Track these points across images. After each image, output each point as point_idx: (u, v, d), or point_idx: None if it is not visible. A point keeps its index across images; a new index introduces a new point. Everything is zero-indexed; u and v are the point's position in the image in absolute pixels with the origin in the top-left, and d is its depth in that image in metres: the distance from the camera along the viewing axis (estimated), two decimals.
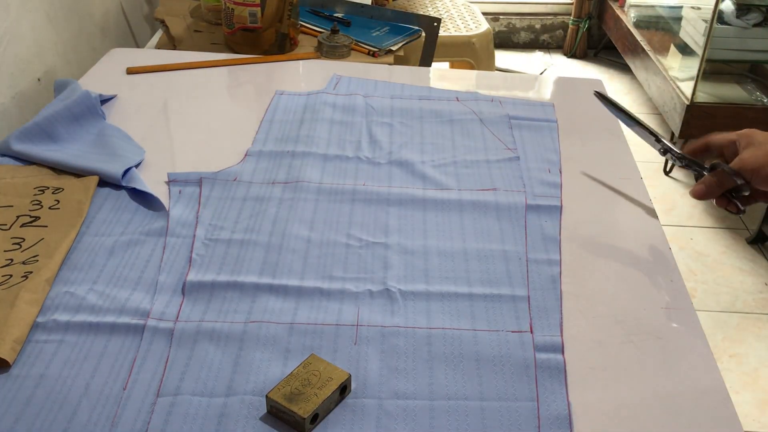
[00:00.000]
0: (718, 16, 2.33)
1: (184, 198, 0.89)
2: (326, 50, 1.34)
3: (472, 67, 2.24)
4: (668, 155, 0.88)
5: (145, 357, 0.67)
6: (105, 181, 0.91)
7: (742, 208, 0.80)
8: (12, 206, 0.86)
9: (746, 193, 0.79)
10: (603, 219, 0.90)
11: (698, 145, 0.85)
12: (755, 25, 2.37)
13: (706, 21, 2.34)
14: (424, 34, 1.48)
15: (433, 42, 1.49)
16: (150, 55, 1.32)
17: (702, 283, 2.01)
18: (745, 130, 0.80)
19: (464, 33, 2.23)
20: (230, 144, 1.01)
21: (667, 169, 2.52)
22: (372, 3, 1.63)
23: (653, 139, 0.90)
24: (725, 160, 0.81)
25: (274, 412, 0.62)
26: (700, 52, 2.34)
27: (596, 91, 1.03)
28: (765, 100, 2.41)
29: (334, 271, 0.79)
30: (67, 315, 0.71)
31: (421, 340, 0.70)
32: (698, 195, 0.81)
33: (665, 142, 0.89)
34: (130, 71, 1.21)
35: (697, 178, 0.83)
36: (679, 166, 0.87)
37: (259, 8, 1.29)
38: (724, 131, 0.86)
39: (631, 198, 0.94)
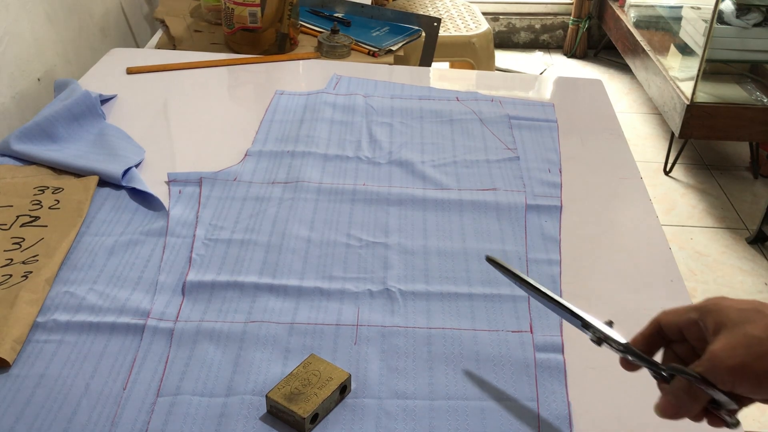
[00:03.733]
0: (718, 16, 2.33)
1: (184, 198, 0.89)
2: (326, 50, 1.34)
3: (472, 67, 2.24)
4: (604, 345, 0.58)
5: (145, 357, 0.67)
6: (105, 181, 0.91)
7: (731, 420, 0.52)
8: (12, 206, 0.86)
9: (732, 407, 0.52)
10: (603, 219, 0.90)
11: (648, 330, 0.57)
12: (755, 25, 2.37)
13: (706, 21, 2.34)
14: (424, 34, 1.48)
15: (433, 42, 1.49)
16: (150, 55, 1.32)
17: (702, 283, 2.01)
18: (706, 301, 0.54)
19: (464, 33, 2.23)
20: (230, 144, 1.01)
21: (667, 170, 2.52)
22: (372, 3, 1.63)
23: (578, 323, 0.59)
24: (688, 347, 0.55)
25: (274, 412, 0.62)
26: (700, 52, 2.34)
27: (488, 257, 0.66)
28: (765, 100, 2.41)
29: (334, 271, 0.79)
30: (67, 315, 0.71)
31: (421, 340, 0.70)
32: (668, 413, 0.53)
33: (598, 327, 0.58)
34: (130, 71, 1.21)
35: (656, 378, 0.56)
36: (627, 360, 0.58)
37: (259, 8, 1.29)
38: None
39: (631, 198, 0.94)
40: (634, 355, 0.56)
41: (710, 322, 0.52)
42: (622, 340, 0.57)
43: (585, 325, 0.58)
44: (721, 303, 0.52)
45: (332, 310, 0.74)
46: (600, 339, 0.57)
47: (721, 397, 0.50)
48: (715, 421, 0.53)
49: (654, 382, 0.55)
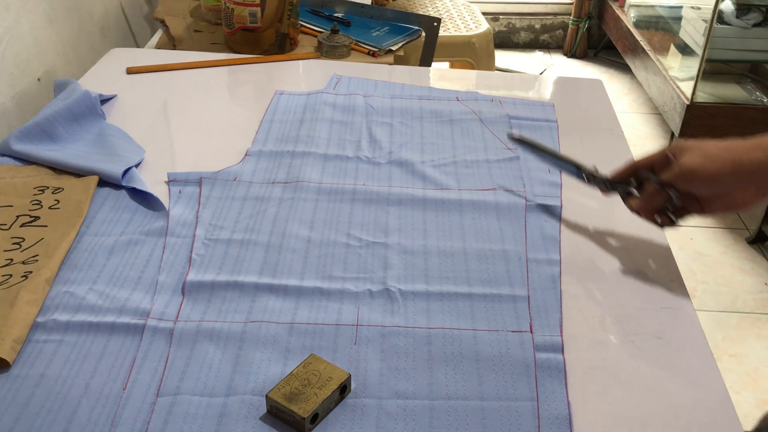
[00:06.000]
0: (718, 16, 2.33)
1: (184, 198, 0.89)
2: (326, 50, 1.34)
3: (472, 67, 2.24)
4: (593, 183, 0.85)
5: (145, 357, 0.67)
6: (105, 181, 0.91)
7: (674, 219, 0.79)
8: (12, 206, 0.86)
9: (679, 205, 0.78)
10: (603, 219, 0.90)
11: (624, 169, 0.82)
12: (755, 25, 2.37)
13: (706, 21, 2.34)
14: (424, 34, 1.48)
15: (433, 42, 1.49)
16: (150, 55, 1.32)
17: (702, 283, 2.01)
18: (675, 143, 0.78)
19: (464, 33, 2.23)
20: (230, 144, 1.01)
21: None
22: (372, 3, 1.63)
23: (574, 170, 0.87)
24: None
25: (274, 412, 0.62)
26: (700, 52, 2.34)
27: (511, 135, 0.93)
28: (765, 100, 2.41)
29: (334, 271, 0.79)
30: (67, 315, 0.71)
31: (421, 340, 0.70)
32: (639, 208, 0.80)
33: (587, 168, 0.85)
34: (130, 71, 1.21)
35: (628, 195, 0.82)
36: (606, 191, 0.84)
37: (259, 8, 1.29)
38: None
39: None
40: (614, 182, 0.83)
41: (677, 151, 0.76)
42: (608, 176, 0.84)
43: (578, 167, 0.87)
44: (685, 141, 0.76)
45: (332, 310, 0.74)
46: (589, 177, 0.85)
47: (676, 197, 0.76)
48: (664, 220, 0.80)
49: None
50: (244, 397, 0.64)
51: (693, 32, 2.46)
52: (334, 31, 1.36)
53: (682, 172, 0.74)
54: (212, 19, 1.47)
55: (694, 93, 2.32)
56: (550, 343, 0.71)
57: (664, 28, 2.82)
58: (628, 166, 0.81)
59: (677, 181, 0.75)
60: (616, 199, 0.94)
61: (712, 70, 2.49)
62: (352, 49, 1.38)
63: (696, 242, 2.14)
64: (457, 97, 1.16)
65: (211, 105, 1.13)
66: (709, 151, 0.73)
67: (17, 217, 0.84)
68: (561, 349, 0.70)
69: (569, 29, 3.43)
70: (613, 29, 3.15)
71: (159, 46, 1.42)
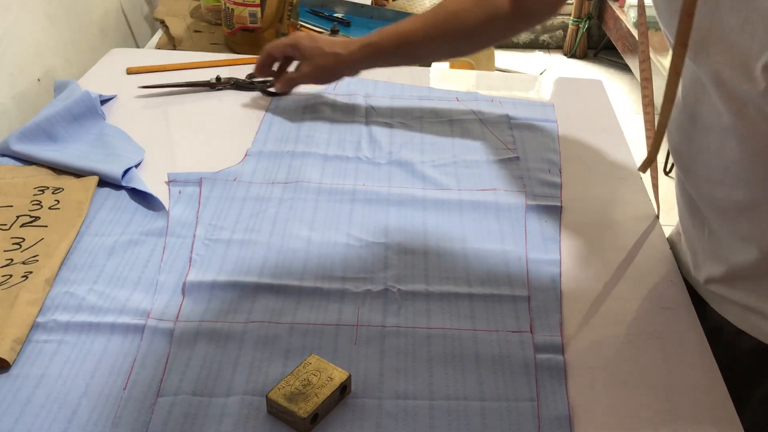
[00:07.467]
0: None
1: (184, 198, 0.89)
2: None
3: (472, 67, 2.24)
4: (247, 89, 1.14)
5: (145, 357, 0.67)
6: (105, 181, 0.91)
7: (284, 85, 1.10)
8: (12, 206, 0.86)
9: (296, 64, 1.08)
10: (603, 219, 0.90)
11: (264, 59, 1.07)
12: None
13: None
14: None
15: None
16: (150, 55, 1.32)
17: None
18: (297, 39, 1.05)
19: None
20: (230, 144, 1.01)
21: (667, 170, 2.52)
22: (372, 3, 1.63)
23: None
24: (288, 60, 1.10)
25: (274, 412, 0.62)
26: None
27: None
28: None
29: (334, 271, 0.79)
30: (67, 315, 0.71)
31: (421, 340, 0.70)
32: (280, 87, 1.11)
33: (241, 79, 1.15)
34: (130, 71, 1.21)
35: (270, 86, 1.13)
36: (262, 88, 1.14)
37: (259, 8, 1.29)
38: None
39: (631, 198, 0.95)
40: (260, 82, 1.14)
41: (299, 56, 1.06)
42: (254, 79, 1.15)
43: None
44: (302, 49, 1.04)
45: (332, 310, 0.74)
46: (241, 85, 1.15)
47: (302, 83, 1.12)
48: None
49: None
50: (244, 397, 0.64)
51: None
52: (334, 32, 1.36)
53: (307, 76, 1.07)
54: (212, 19, 1.47)
55: None
56: (550, 344, 0.71)
57: None
58: (265, 57, 1.06)
59: (300, 81, 1.10)
60: (616, 199, 0.95)
61: None
62: None
63: None
64: (457, 97, 1.16)
65: (211, 105, 1.12)
66: (323, 49, 1.03)
67: (17, 217, 0.84)
68: (561, 350, 0.70)
69: (569, 29, 3.43)
70: (613, 29, 3.16)
71: (159, 46, 1.42)
